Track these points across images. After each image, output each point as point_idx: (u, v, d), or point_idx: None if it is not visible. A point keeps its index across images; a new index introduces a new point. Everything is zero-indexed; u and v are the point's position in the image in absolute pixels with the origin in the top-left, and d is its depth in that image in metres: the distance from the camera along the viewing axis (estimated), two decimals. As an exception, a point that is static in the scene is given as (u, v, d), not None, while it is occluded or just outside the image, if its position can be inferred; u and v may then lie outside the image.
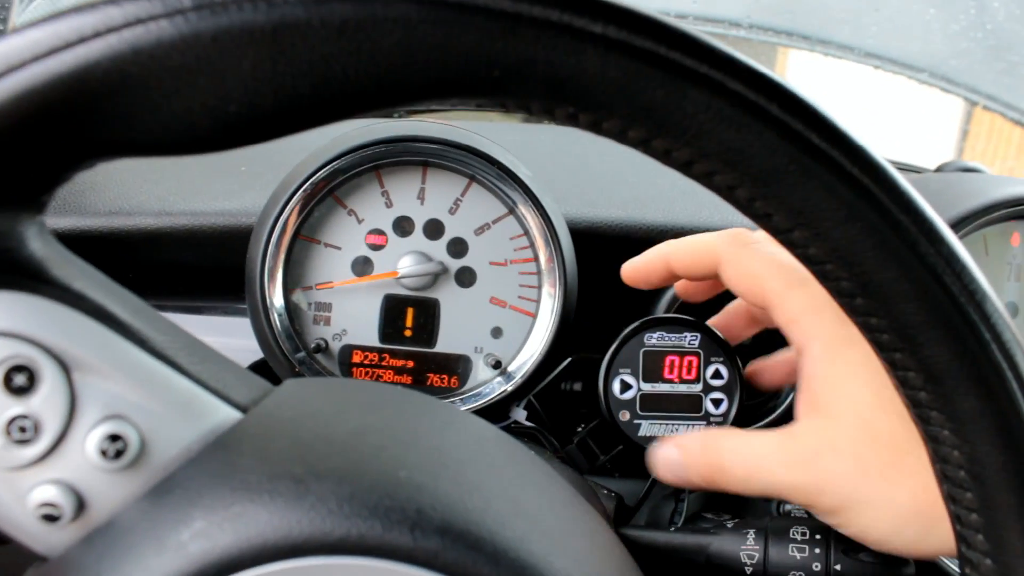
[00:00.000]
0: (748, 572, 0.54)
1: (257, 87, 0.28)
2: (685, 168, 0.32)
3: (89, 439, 0.32)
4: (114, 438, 0.32)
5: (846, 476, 0.48)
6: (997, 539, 0.33)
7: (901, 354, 0.33)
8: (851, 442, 0.48)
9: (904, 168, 1.06)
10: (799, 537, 0.53)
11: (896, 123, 1.55)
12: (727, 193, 0.32)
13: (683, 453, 0.54)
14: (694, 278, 0.60)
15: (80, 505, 0.32)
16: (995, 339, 0.31)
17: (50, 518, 0.32)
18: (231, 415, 0.34)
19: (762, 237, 0.54)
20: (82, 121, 0.28)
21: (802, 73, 1.63)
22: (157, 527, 0.31)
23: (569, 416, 0.71)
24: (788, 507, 0.74)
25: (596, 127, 0.31)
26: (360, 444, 0.34)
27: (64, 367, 0.32)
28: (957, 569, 0.66)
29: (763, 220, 0.32)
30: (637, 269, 0.60)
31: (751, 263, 0.54)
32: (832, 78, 1.52)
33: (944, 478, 0.35)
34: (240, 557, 0.30)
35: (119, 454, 0.32)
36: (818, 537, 0.53)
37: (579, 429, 0.67)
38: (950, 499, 0.35)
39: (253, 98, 0.28)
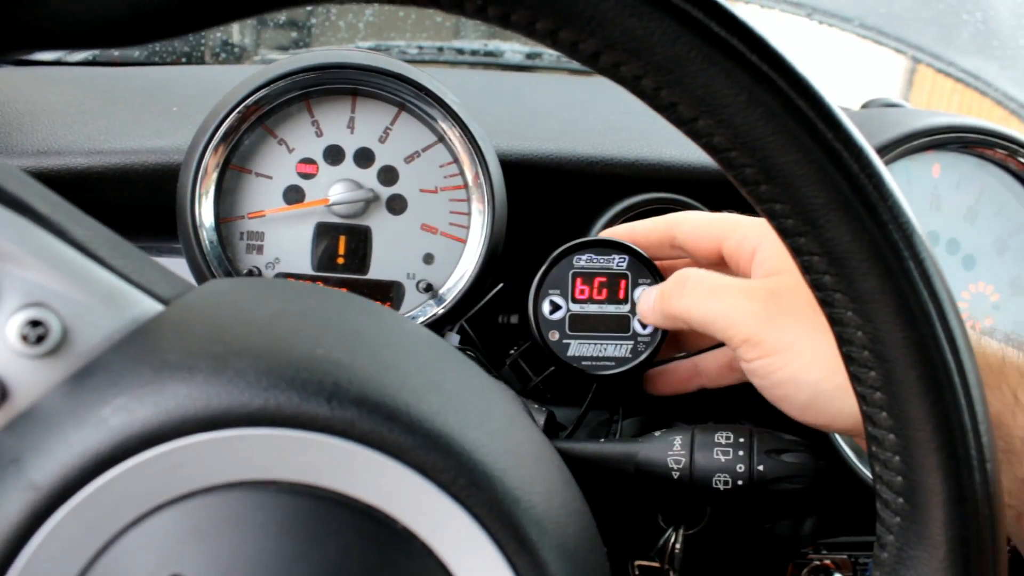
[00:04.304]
0: (675, 477, 0.55)
1: None
2: (592, 60, 0.32)
3: (10, 325, 0.32)
4: (35, 324, 0.32)
5: (800, 315, 0.52)
6: (899, 414, 0.35)
7: (805, 238, 0.34)
8: (806, 289, 0.51)
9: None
10: (723, 441, 0.55)
11: (839, 82, 1.57)
12: (634, 85, 0.33)
13: (661, 285, 0.61)
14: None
15: (2, 392, 0.32)
16: (893, 219, 0.33)
17: (-29, 406, 0.32)
18: (153, 307, 0.35)
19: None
20: (-9, 7, 0.28)
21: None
22: (78, 406, 0.32)
23: (504, 346, 0.72)
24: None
25: (504, 20, 0.32)
26: (278, 326, 0.35)
27: (-18, 255, 0.32)
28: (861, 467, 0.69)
29: (669, 111, 0.33)
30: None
31: (702, 216, 0.63)
32: (769, 30, 1.53)
33: (849, 360, 0.36)
34: (160, 429, 0.31)
35: (40, 340, 0.32)
36: (742, 441, 0.55)
37: (511, 351, 0.68)
38: (855, 380, 0.36)
39: None
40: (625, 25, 0.31)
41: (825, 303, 0.36)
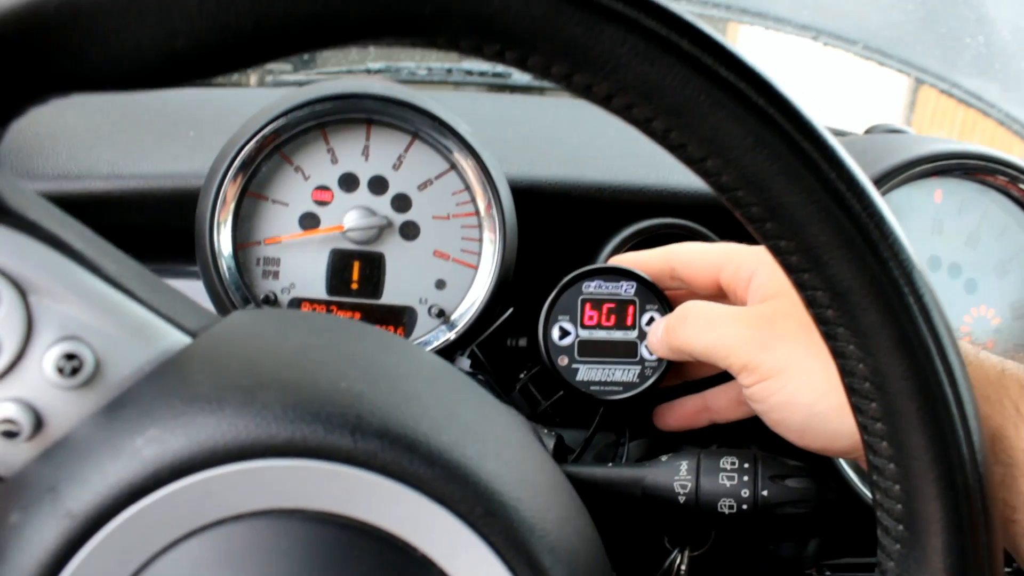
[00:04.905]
0: (681, 501, 0.57)
1: (203, 23, 0.30)
2: (605, 102, 0.34)
3: (46, 358, 0.34)
4: (70, 357, 0.34)
5: (795, 338, 0.54)
6: (899, 444, 0.36)
7: (809, 274, 0.35)
8: (800, 313, 0.52)
9: (834, 132, 1.09)
10: (728, 467, 0.57)
11: (844, 102, 1.59)
12: (645, 126, 0.34)
13: (666, 319, 0.63)
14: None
15: (38, 422, 0.34)
16: (893, 257, 0.34)
17: (9, 434, 0.34)
18: (181, 339, 0.36)
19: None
20: (35, 54, 0.30)
21: (746, 46, 1.66)
22: (112, 436, 0.33)
23: (514, 369, 0.73)
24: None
25: (522, 63, 0.33)
26: (304, 359, 0.36)
27: (20, 290, 0.33)
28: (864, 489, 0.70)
29: (679, 151, 0.34)
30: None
31: (700, 247, 0.65)
32: (776, 52, 1.55)
33: (851, 391, 0.37)
34: (191, 460, 0.32)
35: (75, 372, 0.34)
36: (746, 466, 0.56)
37: (521, 376, 0.69)
38: (857, 410, 0.37)
39: (199, 34, 0.30)
40: (637, 70, 0.32)
41: (828, 336, 0.37)
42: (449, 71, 1.29)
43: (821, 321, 0.37)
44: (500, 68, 1.30)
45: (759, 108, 0.32)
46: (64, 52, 0.30)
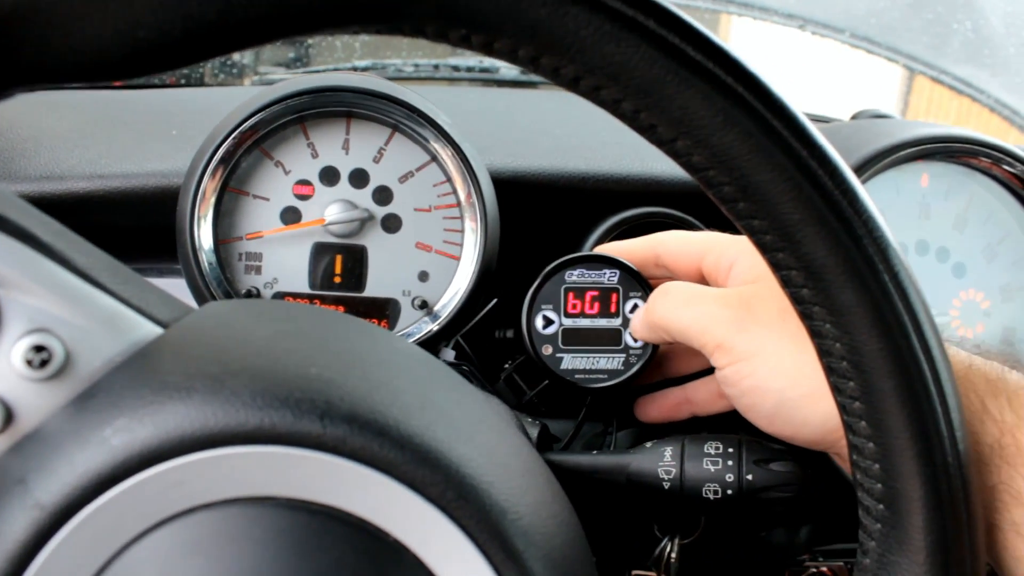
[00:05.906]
0: (666, 487, 0.56)
1: (166, 13, 0.29)
2: (573, 85, 0.34)
3: (15, 351, 0.34)
4: (39, 349, 0.34)
5: (771, 322, 0.54)
6: (877, 423, 0.36)
7: (783, 253, 0.35)
8: (777, 298, 0.52)
9: (820, 119, 1.09)
10: (713, 452, 0.56)
11: (836, 91, 1.58)
12: (614, 108, 0.34)
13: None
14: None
15: (8, 415, 0.34)
16: (868, 234, 0.34)
17: (-22, 428, 0.34)
18: (153, 330, 0.36)
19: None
20: (-4, 47, 0.30)
21: (732, 36, 1.66)
22: (81, 427, 0.33)
23: (502, 361, 0.73)
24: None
25: (488, 48, 0.33)
26: (273, 347, 0.36)
27: (-12, 284, 0.33)
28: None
29: (648, 132, 0.34)
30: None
31: (684, 235, 0.65)
32: (763, 42, 1.55)
33: (829, 371, 0.37)
34: (160, 448, 0.32)
35: (44, 364, 0.34)
36: (731, 451, 0.56)
37: (506, 366, 0.69)
38: (836, 390, 0.37)
39: (162, 24, 0.30)
40: (603, 51, 0.32)
41: (805, 316, 0.37)
42: (436, 67, 1.29)
43: (797, 300, 0.36)
44: (487, 63, 1.30)
45: (727, 86, 0.32)
46: (25, 44, 0.30)
